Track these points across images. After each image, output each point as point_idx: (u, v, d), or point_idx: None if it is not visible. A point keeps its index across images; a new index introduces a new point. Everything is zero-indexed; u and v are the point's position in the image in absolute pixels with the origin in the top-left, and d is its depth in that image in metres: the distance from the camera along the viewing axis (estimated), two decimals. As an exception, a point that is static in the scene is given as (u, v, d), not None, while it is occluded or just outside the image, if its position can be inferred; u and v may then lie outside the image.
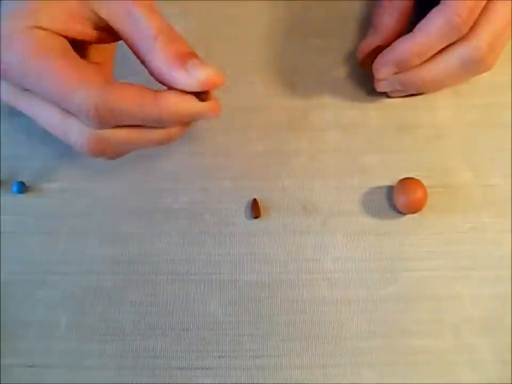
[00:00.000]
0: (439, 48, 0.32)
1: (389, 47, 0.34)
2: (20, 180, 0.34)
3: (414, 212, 0.33)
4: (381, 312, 0.32)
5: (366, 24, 0.39)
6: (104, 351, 0.31)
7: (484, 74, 0.38)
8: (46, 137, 0.36)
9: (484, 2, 0.31)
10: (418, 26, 0.32)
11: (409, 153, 0.36)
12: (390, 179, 0.35)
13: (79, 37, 0.28)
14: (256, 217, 0.34)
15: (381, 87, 0.36)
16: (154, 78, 0.27)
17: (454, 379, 0.30)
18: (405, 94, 0.36)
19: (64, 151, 0.36)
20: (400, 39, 0.33)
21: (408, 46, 0.32)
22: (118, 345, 0.31)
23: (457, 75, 0.34)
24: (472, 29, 0.32)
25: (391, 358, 0.31)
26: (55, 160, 0.35)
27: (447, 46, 0.32)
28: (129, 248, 0.33)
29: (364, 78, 0.38)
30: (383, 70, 0.34)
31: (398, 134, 0.36)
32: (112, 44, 0.30)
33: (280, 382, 0.30)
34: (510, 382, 0.30)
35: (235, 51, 0.38)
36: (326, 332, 0.31)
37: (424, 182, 0.33)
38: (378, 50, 0.35)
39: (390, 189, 0.34)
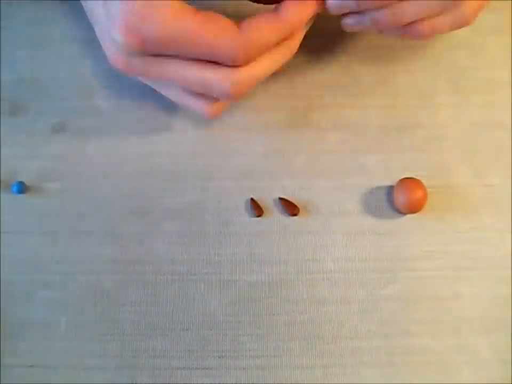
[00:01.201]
0: None
1: None
2: (20, 179, 0.34)
3: (414, 212, 0.33)
4: (381, 312, 0.32)
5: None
6: (104, 351, 0.31)
7: (484, 74, 0.38)
8: (46, 137, 0.36)
9: None
10: None
11: (409, 153, 0.36)
12: (390, 179, 0.35)
13: None
14: (258, 216, 0.34)
15: (349, 26, 0.33)
16: None
17: (454, 379, 0.30)
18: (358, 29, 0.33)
19: (64, 151, 0.36)
20: None
21: None
22: (118, 345, 0.31)
23: (436, 9, 0.31)
24: None
25: (391, 358, 0.31)
26: (55, 160, 0.35)
27: None
28: (129, 248, 0.33)
29: (364, 78, 0.38)
30: (337, 3, 0.31)
31: (398, 134, 0.36)
32: None
33: (280, 382, 0.30)
34: (510, 382, 0.30)
35: (235, 51, 0.38)
36: (326, 332, 0.31)
37: (424, 182, 0.33)
38: None
39: (390, 189, 0.34)
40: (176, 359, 0.31)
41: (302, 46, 0.39)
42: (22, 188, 0.34)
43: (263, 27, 0.29)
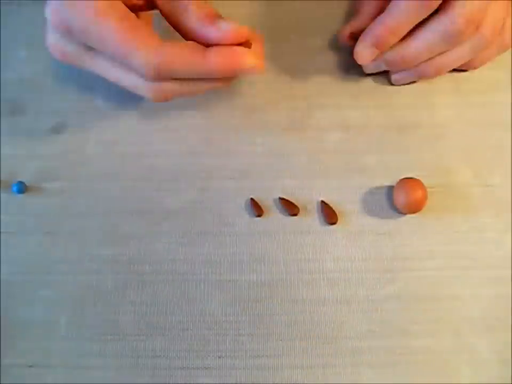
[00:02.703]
0: (413, 25, 0.33)
1: (365, 31, 0.34)
2: (20, 179, 0.34)
3: (414, 212, 0.33)
4: (381, 312, 0.32)
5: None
6: (104, 351, 0.31)
7: (484, 74, 0.38)
8: (46, 137, 0.36)
9: None
10: (390, 5, 0.33)
11: (409, 153, 0.36)
12: (390, 179, 0.35)
13: (129, 3, 0.30)
14: (259, 216, 0.34)
15: (367, 68, 0.36)
16: (189, 38, 0.30)
17: (454, 379, 0.30)
18: (406, 81, 0.37)
19: (64, 151, 0.36)
20: (374, 20, 0.34)
21: (382, 26, 0.33)
22: (118, 345, 0.31)
23: (438, 48, 0.34)
24: (448, 1, 0.32)
25: (391, 358, 0.31)
26: (55, 160, 0.35)
27: (426, 20, 0.33)
28: (129, 248, 0.33)
29: (364, 78, 0.38)
30: (363, 54, 0.34)
31: (398, 134, 0.36)
32: (150, 11, 0.33)
33: (280, 382, 0.30)
34: (510, 382, 0.30)
35: (235, 51, 0.38)
36: (326, 332, 0.31)
37: (424, 182, 0.33)
38: (359, 34, 0.35)
39: (390, 189, 0.34)
40: (176, 359, 0.31)
41: (302, 46, 0.39)
42: (22, 188, 0.34)
43: (182, 56, 0.29)
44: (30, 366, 0.30)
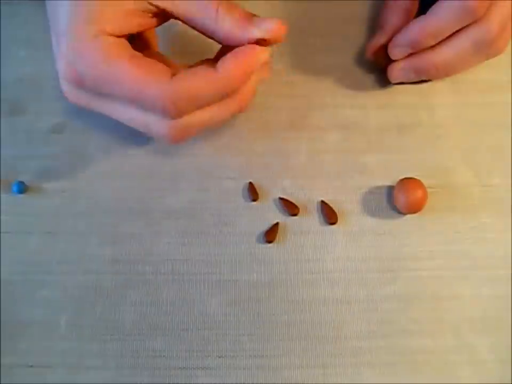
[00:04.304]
0: (453, 30, 0.33)
1: (403, 29, 0.34)
2: (20, 179, 0.34)
3: (414, 212, 0.33)
4: (381, 312, 0.32)
5: (366, 24, 0.39)
6: (104, 351, 0.31)
7: (484, 75, 0.38)
8: (46, 137, 0.36)
9: None
10: (433, 8, 0.33)
11: (409, 153, 0.36)
12: (390, 179, 0.35)
13: (139, 30, 0.29)
14: (254, 200, 0.34)
15: (395, 77, 0.36)
16: (225, 43, 0.30)
17: (454, 379, 0.30)
18: (416, 79, 0.36)
19: (64, 151, 0.36)
20: (414, 20, 0.33)
21: (423, 27, 0.33)
22: (118, 345, 0.31)
23: (468, 58, 0.34)
24: None
25: (391, 358, 0.31)
26: (55, 160, 0.35)
27: (459, 30, 0.33)
28: (129, 248, 0.33)
29: (364, 78, 0.38)
30: (397, 51, 0.34)
31: (398, 134, 0.36)
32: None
33: (280, 382, 0.30)
34: (510, 382, 0.30)
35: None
36: (326, 332, 0.31)
37: (424, 182, 0.33)
38: (385, 48, 0.35)
39: (390, 189, 0.34)
40: (176, 359, 0.31)
41: (302, 46, 0.39)
42: (22, 188, 0.34)
43: (197, 80, 0.28)
44: (30, 366, 0.30)
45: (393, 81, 0.36)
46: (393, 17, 0.36)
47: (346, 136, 0.36)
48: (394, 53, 0.35)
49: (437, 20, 0.32)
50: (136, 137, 0.36)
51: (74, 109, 0.37)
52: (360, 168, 0.35)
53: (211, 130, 0.36)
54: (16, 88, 0.37)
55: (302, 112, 0.37)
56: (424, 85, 0.37)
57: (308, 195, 0.34)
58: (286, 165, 0.35)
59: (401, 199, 0.33)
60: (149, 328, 0.31)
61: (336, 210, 0.34)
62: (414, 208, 0.33)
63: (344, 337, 0.31)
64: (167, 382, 0.30)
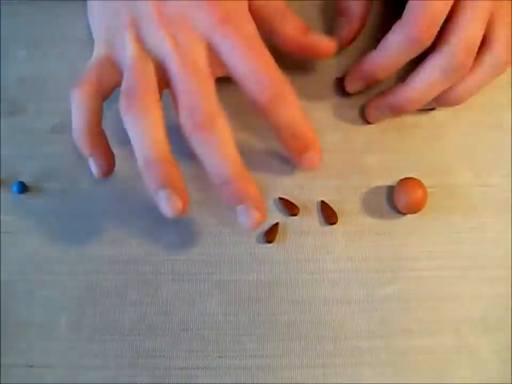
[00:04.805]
0: (404, 62, 0.33)
1: (355, 65, 0.35)
2: (20, 179, 0.34)
3: (414, 212, 0.33)
4: (381, 312, 0.32)
5: (366, 24, 0.39)
6: (104, 351, 0.31)
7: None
8: (46, 137, 0.36)
9: (446, 9, 0.31)
10: (382, 41, 0.33)
11: (409, 153, 0.36)
12: (390, 179, 0.35)
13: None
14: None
15: (372, 118, 0.36)
16: (283, 45, 0.33)
17: (454, 379, 0.30)
18: (393, 116, 0.36)
19: (64, 151, 0.36)
20: (365, 55, 0.34)
21: (372, 62, 0.33)
22: (118, 345, 0.31)
23: (439, 86, 0.33)
24: (443, 37, 0.32)
25: (391, 358, 0.31)
26: (55, 160, 0.35)
27: (426, 59, 0.32)
28: (129, 248, 0.33)
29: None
30: (352, 85, 0.35)
31: (398, 134, 0.36)
32: None
33: (280, 382, 0.30)
34: (510, 382, 0.30)
35: (235, 51, 0.38)
36: (326, 332, 0.31)
37: (424, 182, 0.33)
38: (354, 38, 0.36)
39: (390, 189, 0.34)
40: (176, 359, 0.31)
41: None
42: (22, 188, 0.34)
43: None
44: (30, 366, 0.30)
45: (372, 122, 0.36)
46: (353, 3, 0.36)
47: (346, 136, 0.36)
48: (349, 87, 0.36)
49: (387, 54, 0.32)
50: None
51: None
52: (360, 168, 0.35)
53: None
54: (16, 88, 0.37)
55: (302, 112, 0.37)
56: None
57: (307, 195, 0.34)
58: (286, 165, 0.35)
59: (401, 199, 0.33)
60: (149, 328, 0.31)
61: (336, 210, 0.34)
62: (414, 208, 0.33)
63: (344, 337, 0.31)
64: (167, 382, 0.30)
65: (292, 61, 0.38)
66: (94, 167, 0.31)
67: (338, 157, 0.35)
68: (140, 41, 0.30)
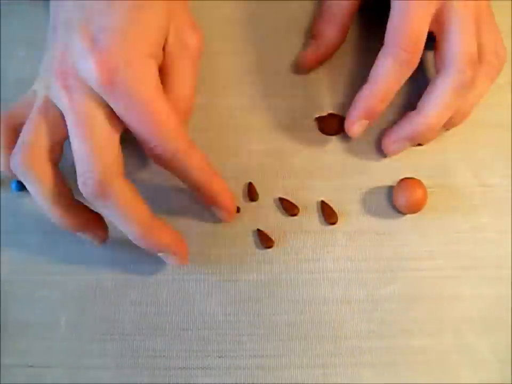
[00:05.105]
0: (400, 85, 0.32)
1: (353, 103, 0.33)
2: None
3: (414, 212, 0.33)
4: (381, 312, 0.32)
5: (366, 24, 0.39)
6: (104, 351, 0.31)
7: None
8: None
9: (425, 24, 0.31)
10: (371, 72, 0.33)
11: (409, 153, 0.36)
12: (390, 179, 0.35)
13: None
14: (252, 201, 0.34)
15: (392, 152, 0.35)
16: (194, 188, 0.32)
17: (454, 379, 0.30)
18: (413, 145, 0.35)
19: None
20: (359, 91, 0.33)
21: (370, 96, 0.33)
22: (118, 345, 0.31)
23: (455, 102, 0.32)
24: (442, 58, 0.32)
25: (391, 358, 0.31)
26: (55, 160, 0.35)
27: (434, 84, 0.32)
28: (129, 248, 0.33)
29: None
30: (355, 128, 0.34)
31: (398, 134, 0.36)
32: None
33: (280, 382, 0.30)
34: (510, 382, 0.30)
35: (235, 51, 0.38)
36: (326, 332, 0.31)
37: (424, 182, 0.33)
38: (319, 59, 0.36)
39: (390, 189, 0.34)
40: (176, 359, 0.31)
41: (302, 45, 0.39)
42: (21, 185, 0.34)
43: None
44: (30, 366, 0.30)
45: (390, 156, 0.35)
46: (328, 30, 0.36)
47: (346, 136, 0.36)
48: (353, 131, 0.34)
49: (379, 83, 0.32)
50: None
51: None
52: (360, 168, 0.35)
53: (211, 130, 0.36)
54: (16, 88, 0.37)
55: (302, 112, 0.37)
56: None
57: (307, 195, 0.34)
58: (286, 165, 0.35)
59: (401, 199, 0.33)
60: (149, 328, 0.31)
61: (336, 210, 0.34)
62: (414, 208, 0.33)
63: (344, 337, 0.31)
64: (167, 382, 0.30)
65: (291, 61, 0.38)
66: (90, 239, 0.31)
67: (338, 157, 0.35)
68: (47, 90, 0.29)
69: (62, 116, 0.28)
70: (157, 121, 0.28)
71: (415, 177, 0.34)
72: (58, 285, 0.32)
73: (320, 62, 0.36)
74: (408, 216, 0.34)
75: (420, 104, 0.33)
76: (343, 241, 0.33)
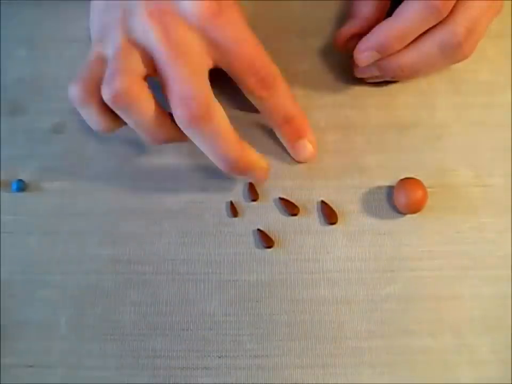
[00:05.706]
0: (419, 32, 0.32)
1: (369, 33, 0.33)
2: (20, 178, 0.34)
3: (414, 212, 0.33)
4: (381, 312, 0.32)
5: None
6: (104, 351, 0.31)
7: (484, 77, 0.38)
8: (46, 137, 0.36)
9: None
10: (397, 10, 0.32)
11: (409, 153, 0.36)
12: (390, 179, 0.35)
13: None
14: (253, 200, 0.34)
15: (359, 72, 0.36)
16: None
17: (454, 379, 0.30)
18: (381, 79, 0.36)
19: (64, 151, 0.36)
20: (380, 24, 0.33)
21: (388, 30, 0.32)
22: (118, 345, 0.31)
23: (434, 61, 0.33)
24: (450, 13, 0.31)
25: (391, 358, 0.31)
26: (55, 160, 0.35)
27: (426, 32, 0.32)
28: (129, 248, 0.33)
29: (363, 78, 0.38)
30: (364, 56, 0.34)
31: (398, 134, 0.36)
32: None
33: (280, 382, 0.30)
34: (510, 382, 0.30)
35: (235, 51, 0.38)
36: (326, 332, 0.31)
37: (424, 182, 0.33)
38: (356, 37, 0.35)
39: (390, 189, 0.34)
40: (176, 359, 0.31)
41: (302, 46, 0.39)
42: (21, 186, 0.34)
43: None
44: (30, 366, 0.30)
45: (357, 75, 0.36)
46: (364, 7, 0.35)
47: (346, 136, 0.36)
48: (361, 59, 0.34)
49: (402, 21, 0.32)
50: (136, 137, 0.36)
51: (74, 109, 0.37)
52: (360, 168, 0.35)
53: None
54: (16, 88, 0.37)
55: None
56: (424, 85, 0.38)
57: (307, 195, 0.34)
58: (286, 165, 0.35)
59: (401, 199, 0.33)
60: (149, 328, 0.31)
61: (336, 210, 0.34)
62: (414, 208, 0.33)
63: (344, 337, 0.31)
64: (167, 382, 0.30)
65: (291, 61, 0.38)
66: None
67: (338, 157, 0.35)
68: (128, 33, 0.30)
69: (149, 53, 0.29)
70: (259, 47, 0.31)
71: (415, 177, 0.34)
72: (58, 285, 0.32)
73: (356, 38, 0.35)
74: (408, 216, 0.34)
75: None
76: (343, 241, 0.33)
